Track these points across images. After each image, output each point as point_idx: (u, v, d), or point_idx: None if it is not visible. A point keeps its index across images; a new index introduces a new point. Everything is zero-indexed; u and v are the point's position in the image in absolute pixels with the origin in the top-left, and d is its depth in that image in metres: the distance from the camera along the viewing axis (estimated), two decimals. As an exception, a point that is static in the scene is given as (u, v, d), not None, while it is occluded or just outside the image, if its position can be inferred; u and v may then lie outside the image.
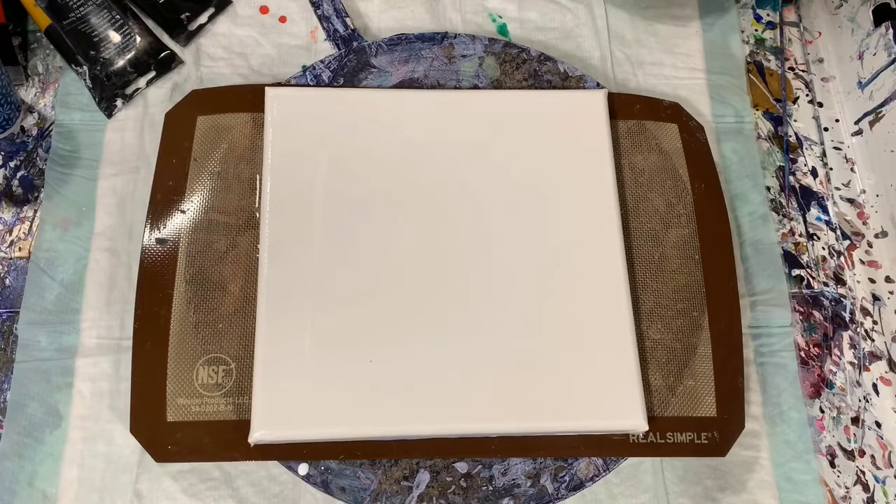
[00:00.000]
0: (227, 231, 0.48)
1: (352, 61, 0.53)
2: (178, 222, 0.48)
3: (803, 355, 0.51)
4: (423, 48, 0.54)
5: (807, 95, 0.59)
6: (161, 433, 0.43)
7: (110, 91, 0.53)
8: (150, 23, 0.56)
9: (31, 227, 0.51)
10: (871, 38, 0.56)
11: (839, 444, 0.49)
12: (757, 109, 0.58)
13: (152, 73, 0.54)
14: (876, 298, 0.53)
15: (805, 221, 0.55)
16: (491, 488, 0.44)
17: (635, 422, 0.44)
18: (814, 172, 0.57)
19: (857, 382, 0.51)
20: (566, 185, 0.49)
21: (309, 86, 0.52)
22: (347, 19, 0.55)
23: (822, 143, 0.58)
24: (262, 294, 0.45)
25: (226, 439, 0.43)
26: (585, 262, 0.47)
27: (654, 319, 0.48)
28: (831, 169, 0.57)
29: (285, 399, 0.43)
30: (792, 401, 0.49)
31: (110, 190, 0.51)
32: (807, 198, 0.56)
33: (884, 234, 0.55)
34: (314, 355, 0.44)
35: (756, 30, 0.61)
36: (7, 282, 0.49)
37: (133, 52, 0.54)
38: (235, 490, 0.45)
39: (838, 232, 0.55)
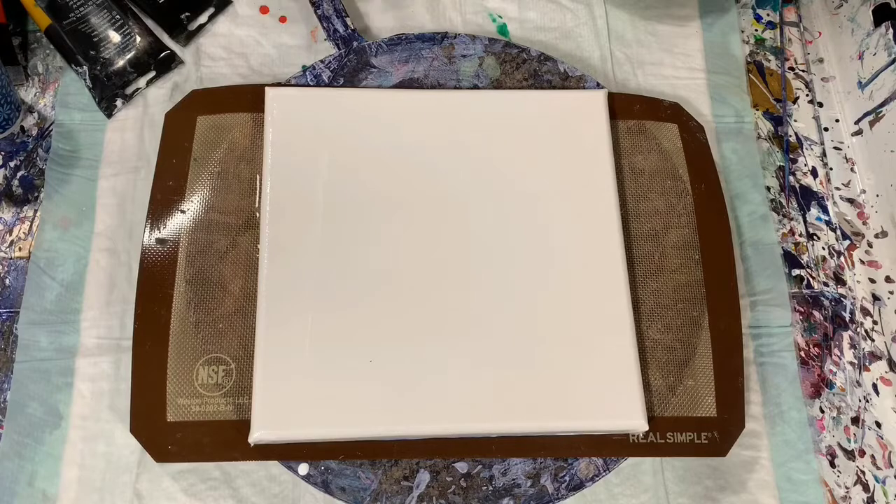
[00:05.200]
0: (227, 231, 0.48)
1: (352, 61, 0.53)
2: (178, 222, 0.48)
3: (803, 355, 0.51)
4: (423, 48, 0.54)
5: (807, 95, 0.59)
6: (161, 433, 0.43)
7: (110, 91, 0.53)
8: (150, 23, 0.56)
9: (31, 227, 0.51)
10: (871, 38, 0.56)
11: (839, 444, 0.49)
12: (757, 109, 0.58)
13: (152, 73, 0.54)
14: (876, 298, 0.53)
15: (805, 221, 0.55)
16: (491, 488, 0.44)
17: (635, 422, 0.44)
18: (814, 172, 0.57)
19: (857, 382, 0.51)
20: (566, 184, 0.49)
21: (309, 86, 0.52)
22: (347, 19, 0.55)
23: (822, 143, 0.58)
24: (262, 294, 0.45)
25: (226, 439, 0.43)
26: (585, 262, 0.47)
27: (654, 319, 0.48)
28: (831, 169, 0.57)
29: (285, 399, 0.43)
30: (792, 401, 0.49)
31: (110, 190, 0.51)
32: (807, 198, 0.56)
33: (884, 234, 0.55)
34: (314, 355, 0.44)
35: (756, 30, 0.61)
36: (7, 282, 0.49)
37: (133, 52, 0.54)
38: (235, 490, 0.45)
39: (838, 232, 0.55)
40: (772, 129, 0.58)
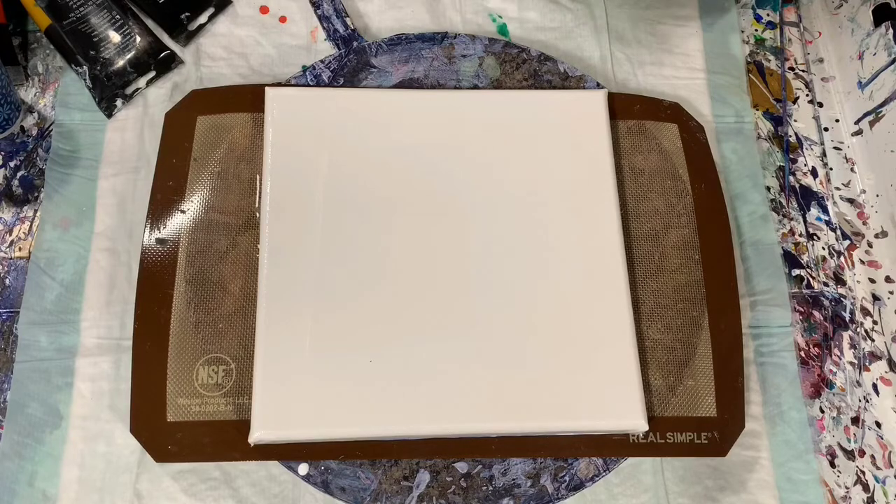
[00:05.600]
0: (227, 231, 0.48)
1: (352, 61, 0.53)
2: (178, 222, 0.48)
3: (803, 355, 0.51)
4: (423, 48, 0.54)
5: (807, 95, 0.59)
6: (161, 433, 0.43)
7: (110, 91, 0.53)
8: (150, 23, 0.56)
9: (31, 227, 0.51)
10: (871, 38, 0.56)
11: (839, 444, 0.49)
12: (757, 109, 0.58)
13: (152, 73, 0.54)
14: (876, 298, 0.53)
15: (805, 221, 0.55)
16: (491, 488, 0.44)
17: (635, 422, 0.44)
18: (814, 172, 0.57)
19: (857, 382, 0.51)
20: (566, 185, 0.49)
21: (309, 86, 0.52)
22: (347, 19, 0.55)
23: (822, 143, 0.58)
24: (262, 294, 0.45)
25: (226, 439, 0.43)
26: (585, 262, 0.47)
27: (654, 319, 0.48)
28: (831, 169, 0.57)
29: (285, 399, 0.43)
30: (792, 401, 0.49)
31: (110, 190, 0.51)
32: (807, 198, 0.56)
33: (884, 234, 0.55)
34: (314, 355, 0.44)
35: (756, 30, 0.61)
36: (7, 282, 0.49)
37: (133, 52, 0.54)
38: (235, 490, 0.45)
39: (838, 232, 0.55)
40: (772, 129, 0.58)
